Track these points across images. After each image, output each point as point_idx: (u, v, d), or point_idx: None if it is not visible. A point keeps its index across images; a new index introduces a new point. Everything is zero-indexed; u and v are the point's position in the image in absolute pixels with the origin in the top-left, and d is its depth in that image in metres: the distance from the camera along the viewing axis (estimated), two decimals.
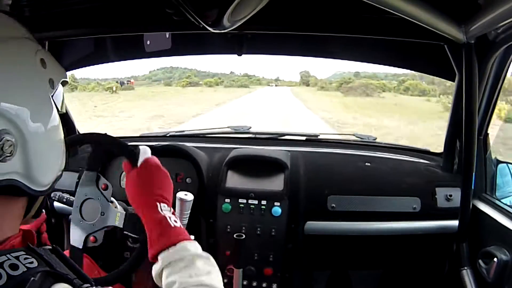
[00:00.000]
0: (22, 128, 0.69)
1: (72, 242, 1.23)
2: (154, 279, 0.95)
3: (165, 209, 1.02)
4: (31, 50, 0.77)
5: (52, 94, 0.79)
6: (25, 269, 0.65)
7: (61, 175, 0.82)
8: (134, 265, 1.18)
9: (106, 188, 1.24)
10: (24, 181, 0.70)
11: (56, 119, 0.79)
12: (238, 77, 36.84)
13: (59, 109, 0.85)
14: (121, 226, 1.21)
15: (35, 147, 0.71)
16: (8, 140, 0.67)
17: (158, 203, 1.02)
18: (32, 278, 0.63)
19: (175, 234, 0.96)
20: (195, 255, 0.92)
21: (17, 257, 0.66)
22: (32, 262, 0.67)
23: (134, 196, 1.06)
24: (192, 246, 0.94)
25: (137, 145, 1.14)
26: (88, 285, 0.72)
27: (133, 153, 1.12)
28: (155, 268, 0.94)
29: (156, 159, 1.13)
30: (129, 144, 1.19)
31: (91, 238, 1.23)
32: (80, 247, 1.23)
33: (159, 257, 0.93)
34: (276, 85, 37.32)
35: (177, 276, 0.88)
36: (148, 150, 1.13)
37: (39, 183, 0.73)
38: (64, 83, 0.86)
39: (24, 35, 0.79)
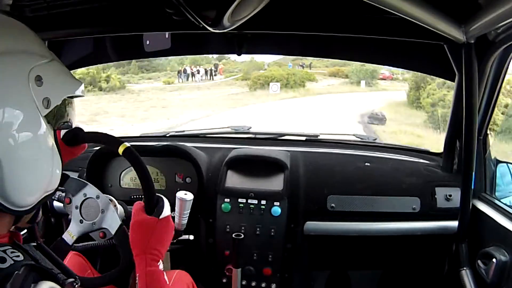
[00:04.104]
0: None
1: (64, 236, 1.23)
2: None
3: (161, 266, 1.08)
4: (24, 68, 0.73)
5: (45, 114, 0.76)
6: (12, 262, 0.67)
7: (52, 193, 0.81)
8: (118, 273, 1.19)
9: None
10: (3, 202, 0.71)
11: (44, 142, 0.76)
12: None
13: (71, 124, 0.84)
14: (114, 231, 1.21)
15: (12, 172, 0.70)
16: None
17: (160, 259, 1.08)
18: (16, 272, 0.65)
19: None
20: None
21: (4, 251, 0.68)
22: (18, 256, 0.69)
23: (143, 242, 1.08)
24: None
25: (160, 196, 1.16)
26: (72, 279, 0.75)
27: (157, 202, 1.13)
28: None
29: (170, 217, 1.16)
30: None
31: (100, 234, 1.24)
32: (70, 243, 1.23)
33: None
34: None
35: None
36: (168, 205, 1.15)
37: (18, 205, 0.73)
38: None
39: (23, 48, 0.75)
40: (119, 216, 1.30)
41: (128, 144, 1.12)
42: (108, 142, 1.16)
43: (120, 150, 1.12)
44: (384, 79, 15.46)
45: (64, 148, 1.13)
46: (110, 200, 1.28)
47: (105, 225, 1.22)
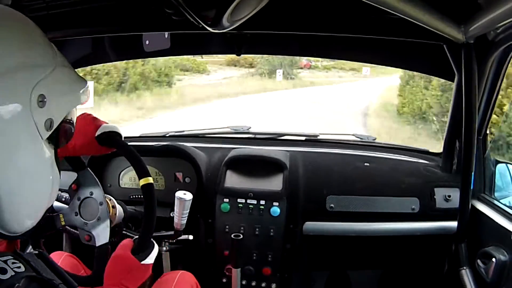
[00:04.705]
0: None
1: (55, 216, 1.23)
2: None
3: None
4: (25, 89, 0.66)
5: (46, 137, 0.71)
6: (13, 273, 0.65)
7: (50, 208, 0.79)
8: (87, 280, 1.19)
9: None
10: (0, 230, 0.68)
11: (44, 167, 0.73)
12: None
13: (73, 122, 0.79)
14: (107, 240, 1.20)
15: (9, 202, 0.67)
16: None
17: None
18: (16, 285, 0.63)
19: None
20: None
21: (5, 261, 0.66)
22: (19, 267, 0.67)
23: (117, 276, 1.08)
24: None
25: (153, 242, 1.16)
26: None
27: (147, 247, 1.14)
28: None
29: (151, 266, 1.16)
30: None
31: (86, 236, 1.23)
32: (57, 227, 1.22)
33: None
34: None
35: None
36: (156, 254, 1.16)
37: (12, 231, 0.70)
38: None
39: (24, 59, 0.67)
40: (118, 217, 1.30)
41: (151, 181, 1.12)
42: (136, 167, 1.15)
43: (141, 182, 1.12)
44: (302, 68, 12.33)
45: (93, 143, 1.15)
46: (113, 207, 1.28)
47: (94, 233, 1.21)
